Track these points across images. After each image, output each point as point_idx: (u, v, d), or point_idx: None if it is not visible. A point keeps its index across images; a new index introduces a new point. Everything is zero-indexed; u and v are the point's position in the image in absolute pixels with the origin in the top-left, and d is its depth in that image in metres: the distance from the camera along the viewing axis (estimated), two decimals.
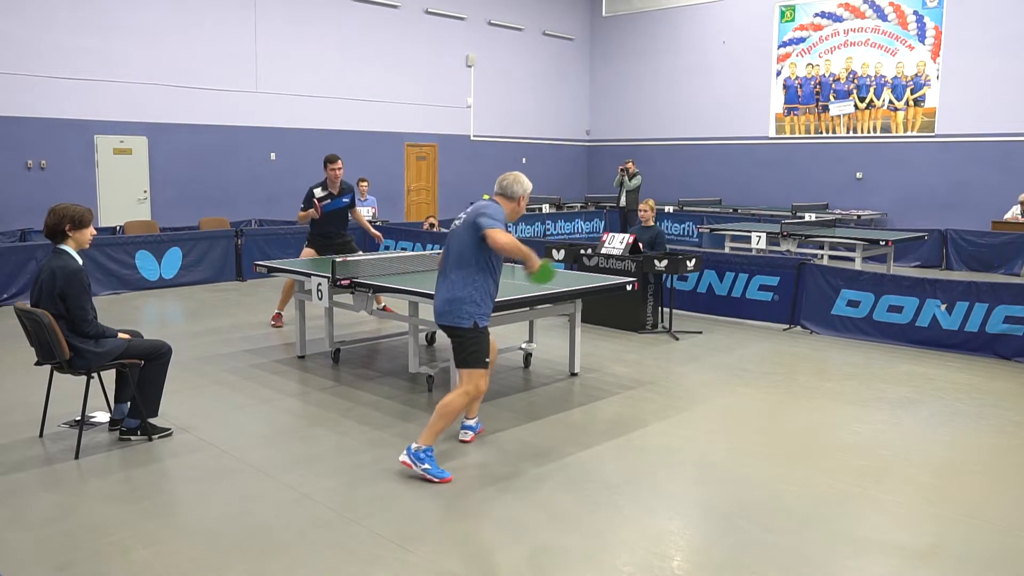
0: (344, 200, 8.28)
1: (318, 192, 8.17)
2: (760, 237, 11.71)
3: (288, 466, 4.62)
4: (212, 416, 5.52)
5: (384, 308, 7.29)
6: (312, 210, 8.04)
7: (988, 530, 3.88)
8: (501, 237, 4.29)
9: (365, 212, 13.79)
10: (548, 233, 16.97)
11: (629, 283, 6.43)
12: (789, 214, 16.20)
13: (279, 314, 8.57)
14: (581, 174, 22.98)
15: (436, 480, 4.36)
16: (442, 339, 7.83)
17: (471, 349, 4.44)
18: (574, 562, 3.53)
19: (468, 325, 4.41)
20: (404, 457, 4.45)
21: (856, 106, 18.03)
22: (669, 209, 17.82)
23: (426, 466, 4.38)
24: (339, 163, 8.17)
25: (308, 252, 8.33)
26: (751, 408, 5.82)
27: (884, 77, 17.53)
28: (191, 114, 14.90)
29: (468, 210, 4.53)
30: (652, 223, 9.26)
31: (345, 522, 3.90)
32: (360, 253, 8.43)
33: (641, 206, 9.42)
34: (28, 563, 3.50)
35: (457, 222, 4.55)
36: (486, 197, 4.71)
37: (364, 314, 6.37)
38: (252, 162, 15.85)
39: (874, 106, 17.76)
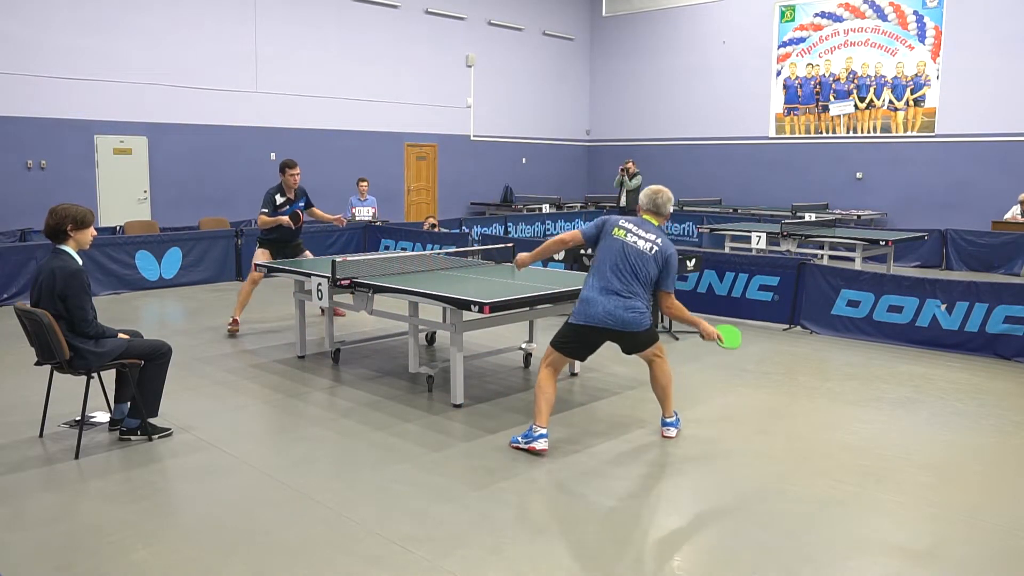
0: (299, 204, 8.42)
1: (278, 198, 8.27)
2: (760, 237, 11.71)
3: (288, 466, 4.62)
4: (212, 416, 5.52)
5: (336, 312, 7.13)
6: (286, 219, 8.19)
7: (988, 530, 3.88)
8: (678, 306, 4.92)
9: (365, 212, 13.83)
10: (548, 233, 16.97)
11: None
12: (789, 214, 16.19)
13: (236, 320, 8.27)
14: (581, 174, 22.98)
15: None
16: (442, 339, 7.83)
17: (654, 333, 4.96)
18: (574, 563, 3.53)
19: (648, 325, 4.88)
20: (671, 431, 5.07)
21: (856, 106, 18.03)
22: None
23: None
24: (297, 168, 8.35)
25: (262, 253, 8.32)
26: (751, 408, 5.82)
27: (884, 77, 17.54)
28: (191, 114, 14.90)
29: (651, 235, 4.81)
30: None
31: (345, 522, 3.90)
32: (308, 254, 8.60)
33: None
34: (28, 563, 3.50)
35: (639, 241, 4.78)
36: (650, 219, 4.94)
37: (364, 314, 6.36)
38: (252, 162, 15.85)
39: (874, 106, 17.76)
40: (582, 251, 8.84)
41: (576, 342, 4.87)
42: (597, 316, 4.72)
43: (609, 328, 4.75)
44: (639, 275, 4.75)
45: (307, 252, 8.71)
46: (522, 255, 5.28)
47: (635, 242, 4.77)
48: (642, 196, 4.98)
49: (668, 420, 5.18)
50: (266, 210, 8.22)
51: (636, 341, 4.86)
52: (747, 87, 19.48)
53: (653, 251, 4.79)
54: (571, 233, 5.00)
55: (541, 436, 4.74)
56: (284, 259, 8.31)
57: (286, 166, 8.29)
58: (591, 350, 4.94)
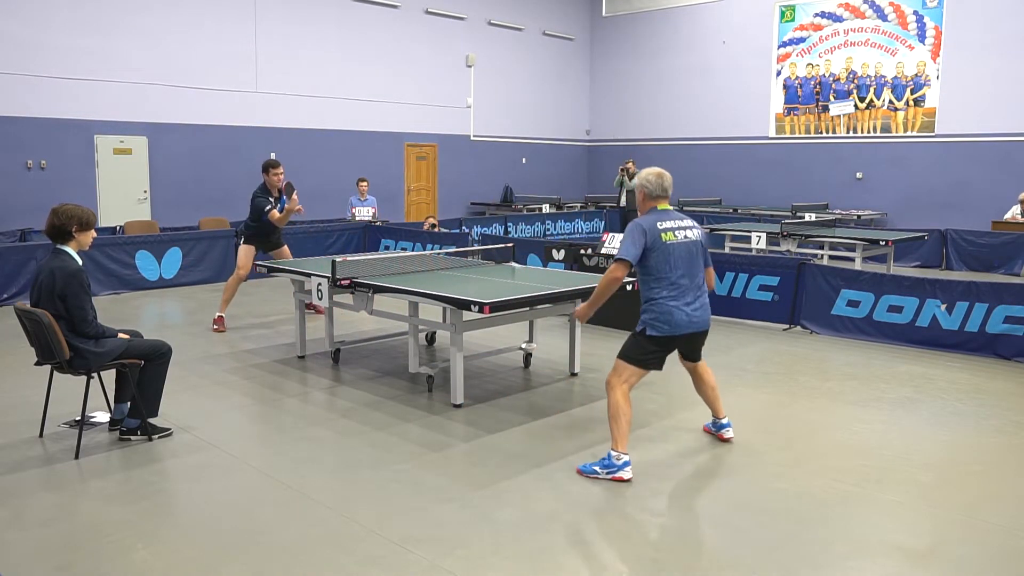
0: (284, 201, 8.52)
1: (270, 199, 8.39)
2: (760, 237, 11.71)
3: (288, 466, 4.62)
4: (212, 416, 5.52)
5: (317, 310, 7.11)
6: (300, 207, 8.31)
7: (988, 530, 3.88)
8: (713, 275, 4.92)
9: (365, 212, 13.83)
10: (548, 233, 16.97)
11: (629, 283, 6.42)
12: (789, 214, 16.19)
13: (221, 317, 8.34)
14: (581, 174, 22.98)
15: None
16: (442, 339, 7.83)
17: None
18: (574, 562, 3.53)
19: None
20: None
21: (856, 106, 18.03)
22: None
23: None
24: (281, 168, 8.46)
25: (246, 248, 8.47)
26: (751, 408, 5.82)
27: (884, 77, 17.53)
28: (191, 114, 14.90)
29: (686, 223, 4.68)
30: None
31: (345, 522, 3.90)
32: (285, 247, 8.74)
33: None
34: (28, 563, 3.50)
35: (688, 232, 4.63)
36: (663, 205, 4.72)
37: (364, 314, 6.36)
38: (252, 162, 15.78)
39: (874, 106, 17.76)
40: (582, 251, 8.84)
41: (660, 354, 4.62)
42: (682, 324, 4.52)
43: (693, 331, 4.61)
44: (699, 266, 4.67)
45: (285, 247, 8.78)
46: (581, 308, 4.79)
47: (685, 237, 4.61)
48: (647, 183, 4.66)
49: (724, 421, 5.11)
50: (274, 207, 8.32)
51: (705, 336, 4.77)
52: (747, 87, 19.48)
53: (698, 236, 4.69)
54: (618, 268, 4.49)
55: (626, 464, 4.45)
56: (265, 252, 8.61)
57: (270, 166, 8.38)
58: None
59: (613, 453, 4.48)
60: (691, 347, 4.80)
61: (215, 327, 8.29)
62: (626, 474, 4.43)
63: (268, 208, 8.27)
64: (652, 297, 4.55)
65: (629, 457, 4.49)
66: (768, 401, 5.99)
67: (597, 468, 4.49)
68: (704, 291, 4.68)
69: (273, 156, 8.51)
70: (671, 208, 4.73)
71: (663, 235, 4.53)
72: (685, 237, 4.60)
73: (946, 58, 16.63)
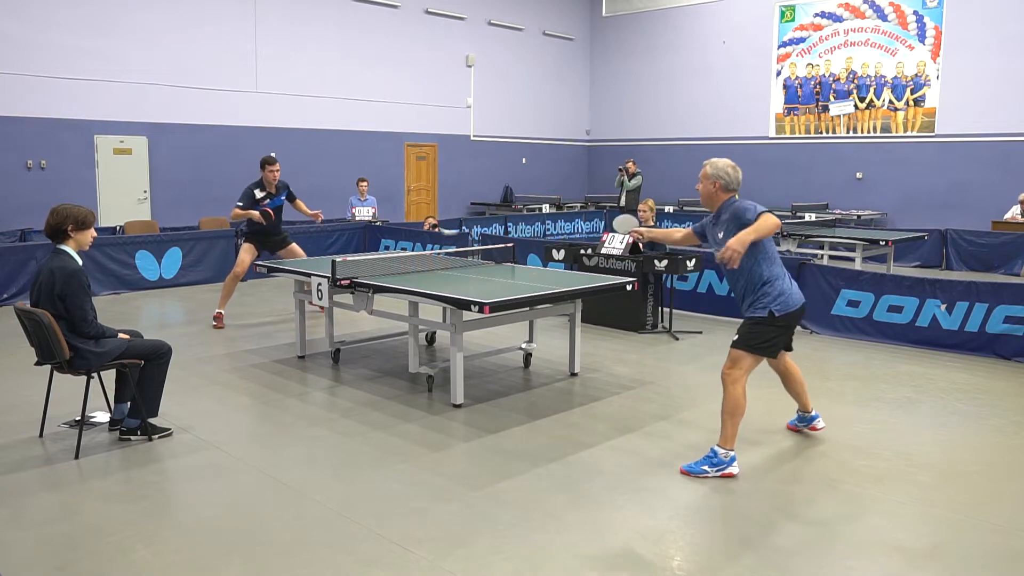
0: (281, 198, 8.63)
1: (258, 193, 8.47)
2: None
3: (288, 466, 4.62)
4: (212, 416, 5.52)
5: (320, 309, 7.19)
6: (257, 213, 8.37)
7: (988, 530, 3.88)
8: None
9: (365, 212, 13.83)
10: (548, 233, 16.97)
11: (629, 283, 6.43)
12: (789, 214, 16.19)
13: (220, 314, 8.49)
14: (581, 174, 22.98)
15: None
16: (442, 339, 7.83)
17: None
18: (574, 562, 3.53)
19: None
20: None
21: (856, 106, 18.03)
22: (669, 209, 17.82)
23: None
24: (277, 165, 8.55)
25: (246, 247, 8.58)
26: (751, 408, 5.80)
27: (884, 77, 17.53)
28: (191, 114, 14.90)
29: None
30: (652, 223, 9.26)
31: (345, 522, 3.90)
32: (295, 247, 8.79)
33: (641, 206, 9.42)
34: (28, 563, 3.50)
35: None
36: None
37: (364, 314, 6.36)
38: (252, 162, 15.76)
39: (874, 106, 17.76)
40: (582, 251, 8.84)
41: (783, 335, 4.64)
42: (797, 300, 4.58)
43: (800, 312, 4.64)
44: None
45: (294, 245, 8.84)
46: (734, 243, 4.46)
47: None
48: (724, 174, 4.68)
49: (814, 413, 5.15)
50: (241, 203, 8.40)
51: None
52: (747, 87, 19.48)
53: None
54: (768, 216, 4.42)
55: (733, 459, 4.50)
56: (271, 252, 8.67)
57: (266, 163, 8.49)
58: None
59: (720, 450, 4.49)
60: (793, 329, 4.77)
61: (214, 324, 8.44)
62: (735, 469, 4.48)
63: (238, 203, 8.39)
64: (770, 278, 4.51)
65: (735, 453, 4.52)
66: (768, 401, 5.99)
67: (706, 468, 4.48)
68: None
69: (273, 154, 8.59)
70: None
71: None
72: None
73: (946, 58, 16.63)
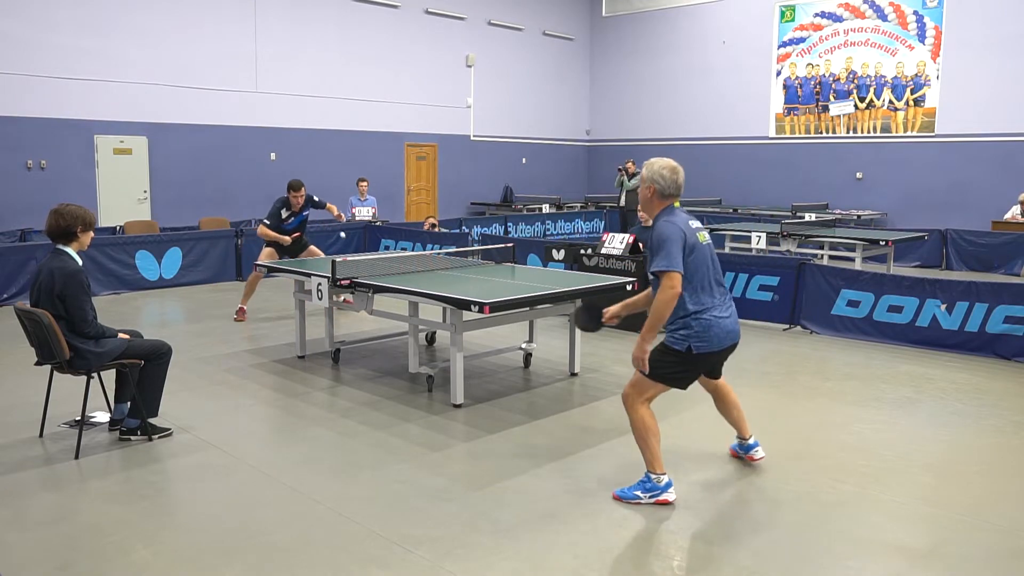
0: (304, 215, 8.96)
1: (283, 212, 8.82)
2: (760, 237, 11.71)
3: (288, 466, 4.62)
4: (212, 416, 5.52)
5: (345, 301, 7.19)
6: (287, 238, 8.80)
7: (988, 530, 3.87)
8: None
9: (365, 212, 13.83)
10: (548, 233, 16.97)
11: (629, 283, 6.43)
12: (789, 214, 16.19)
13: (243, 308, 8.90)
14: (581, 174, 22.98)
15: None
16: (442, 339, 7.83)
17: None
18: (574, 562, 3.53)
19: None
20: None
21: (856, 106, 18.03)
22: None
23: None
24: (302, 191, 8.81)
25: (268, 251, 8.85)
26: (751, 408, 5.80)
27: (884, 77, 17.53)
28: (191, 114, 14.90)
29: (694, 224, 4.10)
30: (652, 223, 9.23)
31: (345, 522, 3.90)
32: (314, 249, 9.10)
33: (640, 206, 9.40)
34: (28, 563, 3.50)
35: (705, 232, 4.15)
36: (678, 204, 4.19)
37: (364, 314, 6.36)
38: (252, 162, 15.85)
39: (874, 106, 17.76)
40: (582, 251, 8.84)
41: (696, 372, 4.16)
42: (723, 336, 4.03)
43: (730, 346, 4.15)
44: (720, 270, 4.15)
45: (312, 247, 9.16)
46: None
47: (706, 238, 4.11)
48: (660, 178, 4.07)
49: (752, 441, 4.67)
50: (268, 222, 8.77)
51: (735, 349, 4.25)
52: (747, 87, 19.48)
53: (703, 232, 4.16)
54: (674, 280, 3.86)
55: (668, 485, 4.12)
56: (292, 257, 8.88)
57: (291, 188, 8.80)
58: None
59: (652, 475, 4.12)
60: (720, 361, 4.31)
61: (236, 317, 8.85)
62: (670, 496, 4.10)
63: (266, 221, 8.77)
64: (692, 309, 3.97)
65: (668, 477, 4.15)
66: (768, 401, 5.99)
67: (639, 493, 4.12)
68: (731, 297, 4.20)
69: (299, 180, 8.88)
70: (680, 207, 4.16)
71: (700, 236, 4.03)
72: (706, 238, 4.11)
73: (946, 58, 16.63)
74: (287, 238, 8.76)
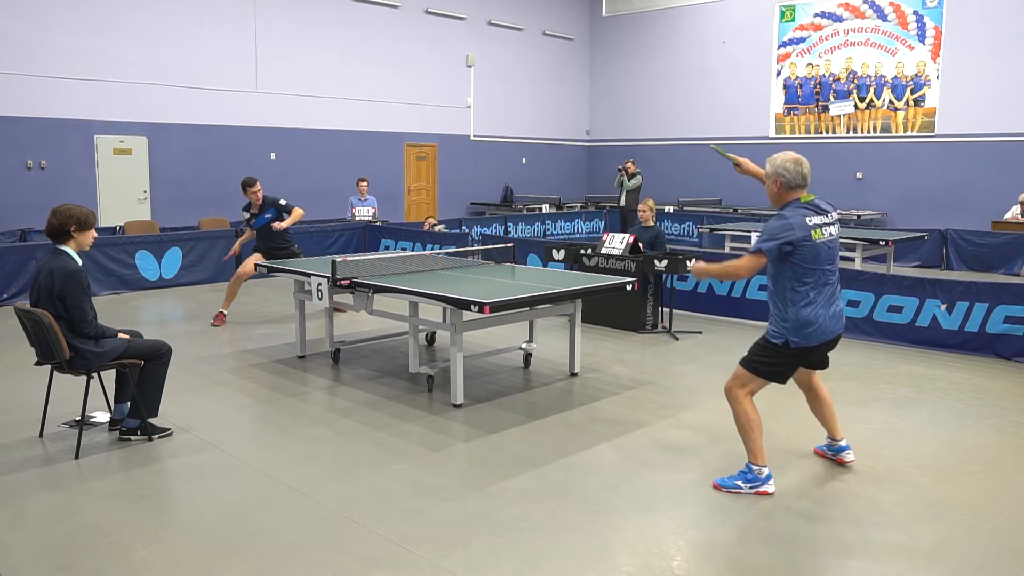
0: (267, 216, 8.75)
1: (245, 214, 8.84)
2: None
3: (288, 466, 4.62)
4: (212, 416, 5.52)
5: (337, 311, 7.20)
6: (236, 246, 9.29)
7: (988, 530, 3.88)
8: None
9: (365, 212, 13.83)
10: (548, 233, 16.97)
11: (629, 283, 6.43)
12: None
13: (222, 313, 8.67)
14: (581, 174, 22.98)
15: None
16: (442, 339, 7.83)
17: None
18: (574, 562, 3.53)
19: None
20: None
21: (856, 106, 18.02)
22: (669, 209, 17.82)
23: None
24: (257, 186, 8.71)
25: (256, 256, 8.76)
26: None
27: (884, 77, 17.53)
28: (191, 114, 14.90)
29: (832, 216, 4.13)
30: (652, 223, 9.25)
31: (345, 522, 3.90)
32: (301, 254, 8.98)
33: (640, 206, 9.41)
34: (28, 563, 3.50)
35: (833, 228, 4.14)
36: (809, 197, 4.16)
37: (364, 314, 6.36)
38: (252, 162, 15.84)
39: (874, 106, 17.76)
40: (582, 251, 8.84)
41: (794, 366, 4.24)
42: (821, 335, 4.12)
43: (832, 339, 4.21)
44: (837, 266, 4.20)
45: (301, 254, 9.08)
46: (702, 266, 4.33)
47: (831, 234, 4.10)
48: (784, 171, 4.08)
49: (843, 443, 4.68)
50: (243, 227, 9.08)
51: (837, 343, 4.31)
52: (747, 87, 19.48)
53: (838, 231, 4.18)
54: (756, 259, 4.05)
55: (769, 477, 4.25)
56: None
57: (244, 185, 8.69)
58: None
59: (754, 467, 4.23)
60: (822, 356, 4.35)
61: (213, 322, 8.61)
62: (770, 487, 4.21)
63: (240, 227, 9.00)
64: (796, 301, 4.06)
65: (769, 469, 4.26)
66: (768, 401, 5.98)
67: (740, 483, 4.24)
68: (839, 292, 4.25)
69: (252, 176, 8.83)
70: (814, 197, 4.15)
71: (815, 233, 4.01)
72: (832, 234, 4.11)
73: (946, 58, 16.63)
74: (237, 246, 9.05)
